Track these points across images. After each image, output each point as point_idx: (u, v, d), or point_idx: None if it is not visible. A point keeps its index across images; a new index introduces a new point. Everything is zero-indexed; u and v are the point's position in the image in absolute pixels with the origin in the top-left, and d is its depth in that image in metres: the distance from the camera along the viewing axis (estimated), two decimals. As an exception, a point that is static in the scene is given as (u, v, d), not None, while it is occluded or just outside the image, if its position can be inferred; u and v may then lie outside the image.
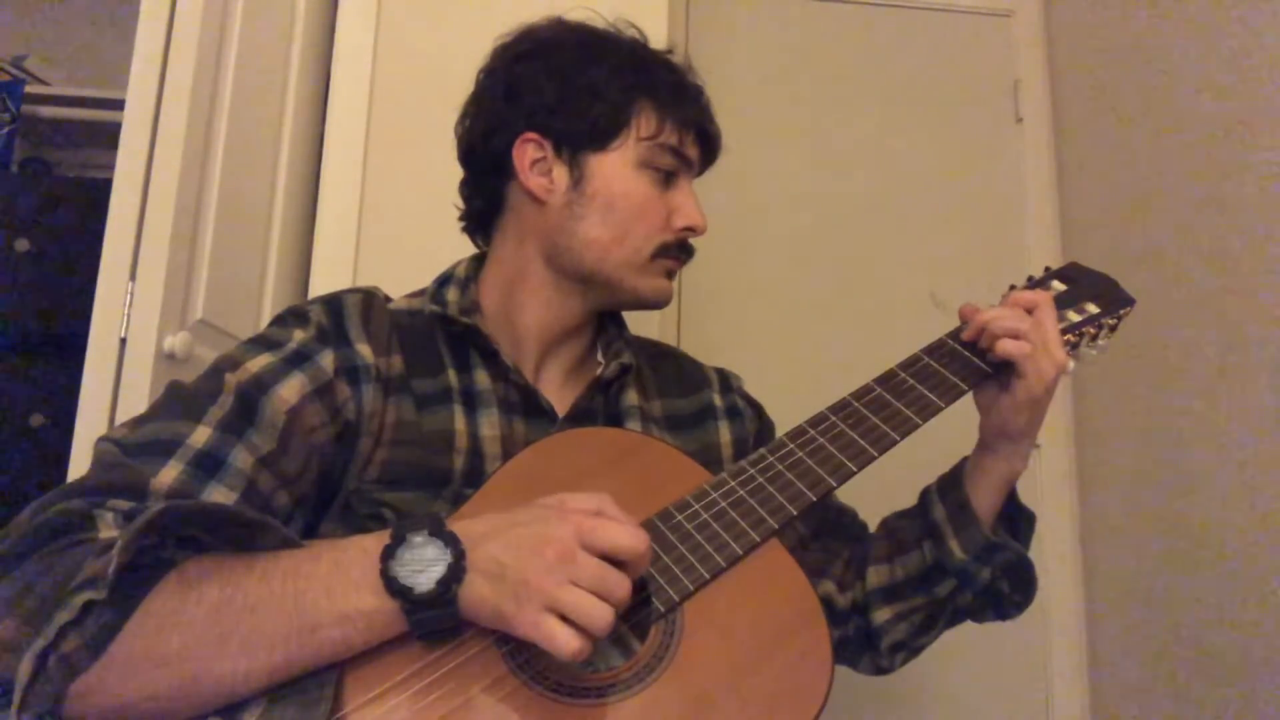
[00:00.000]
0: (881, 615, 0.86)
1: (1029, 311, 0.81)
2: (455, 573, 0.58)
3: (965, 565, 0.81)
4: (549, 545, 0.58)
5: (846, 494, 0.83)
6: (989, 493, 0.83)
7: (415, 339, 0.83)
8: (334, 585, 0.58)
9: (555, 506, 0.62)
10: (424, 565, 0.58)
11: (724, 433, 0.93)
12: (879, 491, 0.93)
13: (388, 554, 0.58)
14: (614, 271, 0.84)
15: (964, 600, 0.84)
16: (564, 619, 0.57)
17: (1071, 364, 0.87)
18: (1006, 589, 0.84)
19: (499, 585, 0.58)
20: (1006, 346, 0.78)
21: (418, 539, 0.59)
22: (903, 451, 0.78)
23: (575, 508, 0.62)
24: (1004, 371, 0.80)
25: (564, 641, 0.56)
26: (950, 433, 0.88)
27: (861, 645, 0.89)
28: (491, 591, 0.58)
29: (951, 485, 0.85)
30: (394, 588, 0.58)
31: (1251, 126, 1.33)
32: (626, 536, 0.60)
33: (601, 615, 0.57)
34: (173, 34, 1.15)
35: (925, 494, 0.88)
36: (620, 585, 0.59)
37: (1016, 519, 0.86)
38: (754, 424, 0.96)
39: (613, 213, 0.83)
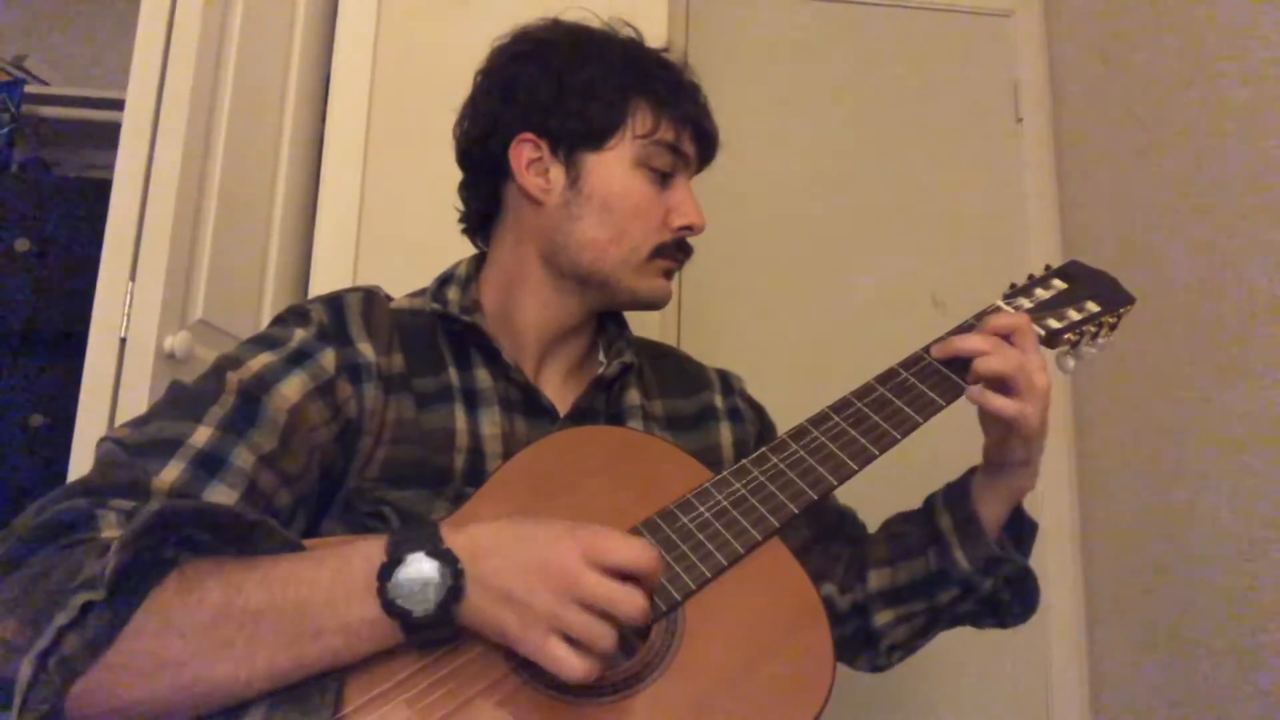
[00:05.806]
0: (883, 618, 0.86)
1: (1008, 339, 0.78)
2: (454, 594, 0.58)
3: (969, 575, 0.81)
4: (554, 567, 0.58)
5: (847, 493, 0.83)
6: (996, 507, 0.82)
7: (416, 338, 0.83)
8: (336, 593, 0.58)
9: (562, 523, 0.61)
10: (421, 585, 0.57)
11: (725, 434, 0.92)
12: (881, 492, 0.93)
13: (384, 574, 0.58)
14: (611, 271, 0.84)
15: (965, 607, 0.84)
16: (569, 640, 0.57)
17: (1072, 363, 0.87)
18: (1008, 598, 0.84)
19: (502, 606, 0.58)
20: (996, 403, 0.76)
21: (414, 557, 0.58)
22: (905, 453, 0.77)
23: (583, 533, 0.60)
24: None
25: (570, 666, 0.56)
26: (953, 436, 0.88)
27: (860, 645, 0.89)
28: (494, 612, 0.58)
29: (960, 498, 0.84)
30: (393, 610, 0.57)
31: (1251, 126, 1.33)
32: (635, 550, 0.59)
33: (606, 636, 0.57)
34: (173, 34, 1.15)
35: (931, 501, 0.87)
36: (631, 600, 0.57)
37: (1021, 527, 0.85)
38: (755, 426, 0.96)
39: (610, 212, 0.83)
